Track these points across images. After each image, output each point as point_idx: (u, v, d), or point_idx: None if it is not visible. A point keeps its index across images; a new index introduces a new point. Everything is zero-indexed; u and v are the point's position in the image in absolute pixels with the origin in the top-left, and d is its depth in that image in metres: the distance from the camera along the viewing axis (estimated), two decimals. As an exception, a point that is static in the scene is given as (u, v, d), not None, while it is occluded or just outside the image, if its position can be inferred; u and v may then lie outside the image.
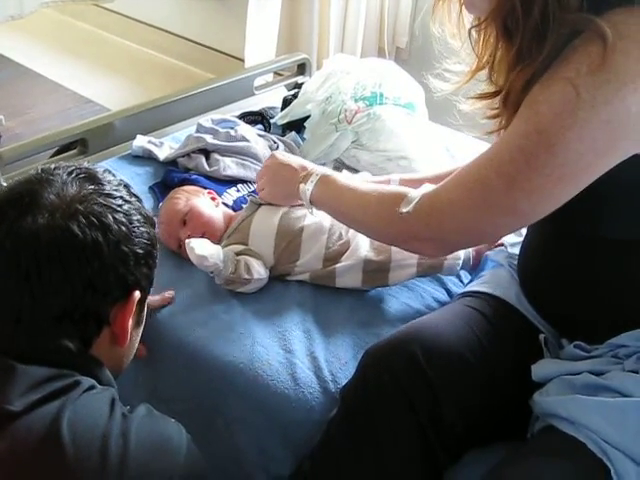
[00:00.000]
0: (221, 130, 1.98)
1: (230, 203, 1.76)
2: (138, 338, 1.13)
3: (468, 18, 1.23)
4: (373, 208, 1.30)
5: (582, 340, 1.19)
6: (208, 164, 1.89)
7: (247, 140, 1.94)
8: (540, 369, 1.20)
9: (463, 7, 1.19)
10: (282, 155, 1.57)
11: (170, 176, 1.86)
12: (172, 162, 1.94)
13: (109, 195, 1.00)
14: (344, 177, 1.44)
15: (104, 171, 1.06)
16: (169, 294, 1.48)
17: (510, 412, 1.24)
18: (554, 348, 1.26)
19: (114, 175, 1.07)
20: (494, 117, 1.19)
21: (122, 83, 3.99)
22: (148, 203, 1.80)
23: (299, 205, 1.57)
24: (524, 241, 1.36)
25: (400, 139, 1.94)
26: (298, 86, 2.26)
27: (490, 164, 1.11)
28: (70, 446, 0.85)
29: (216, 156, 1.90)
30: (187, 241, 1.46)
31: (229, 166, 1.87)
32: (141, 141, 2.00)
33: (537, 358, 1.23)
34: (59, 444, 0.85)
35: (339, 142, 1.95)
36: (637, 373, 1.10)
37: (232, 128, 1.99)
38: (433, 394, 1.16)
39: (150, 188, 1.86)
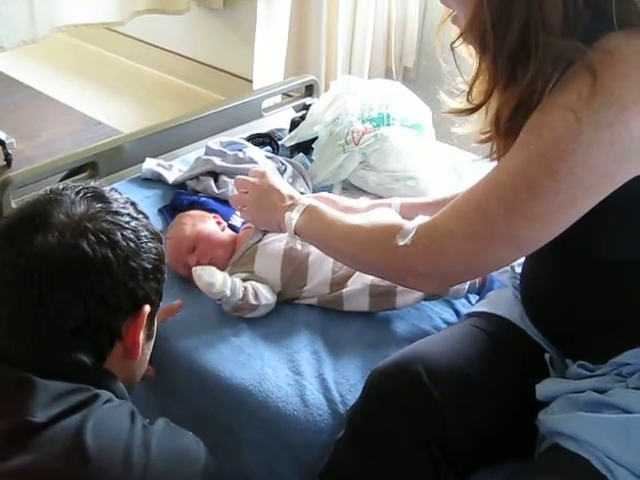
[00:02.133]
0: (229, 152, 2.00)
1: (238, 225, 1.77)
2: (149, 352, 1.15)
3: None
4: (364, 240, 1.27)
5: (585, 359, 1.19)
6: (217, 186, 1.90)
7: (255, 162, 1.95)
8: (544, 388, 1.20)
9: None
10: (272, 177, 1.53)
11: (179, 199, 1.88)
12: (181, 185, 1.96)
13: (117, 213, 1.03)
14: (331, 210, 1.39)
15: (111, 189, 1.09)
16: (177, 303, 1.48)
17: (517, 431, 1.23)
18: (560, 367, 1.26)
19: (120, 193, 1.09)
20: (486, 141, 1.18)
21: (132, 105, 4.02)
22: (157, 226, 1.77)
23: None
24: (525, 261, 1.36)
25: (407, 159, 1.95)
26: (306, 107, 2.27)
27: (490, 191, 1.09)
28: (95, 456, 0.87)
29: (224, 178, 1.92)
30: (194, 269, 1.48)
31: (237, 188, 1.89)
32: (150, 164, 2.02)
33: (543, 377, 1.23)
34: (84, 455, 0.87)
35: (347, 163, 1.96)
36: None
37: (240, 150, 2.01)
38: (438, 414, 1.16)
39: (159, 211, 1.88)
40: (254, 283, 1.51)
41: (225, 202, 1.86)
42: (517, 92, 1.05)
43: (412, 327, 1.53)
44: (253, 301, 1.48)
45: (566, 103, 1.00)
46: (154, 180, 2.00)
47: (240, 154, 1.98)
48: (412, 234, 1.16)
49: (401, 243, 1.16)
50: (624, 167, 1.02)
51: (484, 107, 1.17)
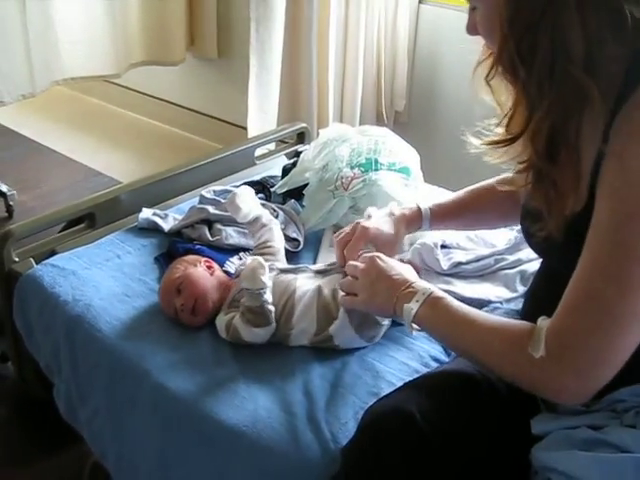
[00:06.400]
0: (223, 200, 2.04)
1: (233, 271, 1.80)
2: None
3: None
4: (499, 351, 1.19)
5: None
6: (211, 234, 1.95)
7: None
8: (539, 423, 1.21)
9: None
10: (383, 262, 1.44)
11: (174, 247, 1.92)
12: (176, 233, 2.00)
13: None
14: (453, 300, 1.30)
15: None
16: None
17: (511, 466, 1.24)
18: (551, 402, 1.25)
19: None
20: (524, 171, 1.17)
21: (131, 155, 4.08)
22: (154, 274, 1.86)
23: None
24: (524, 300, 1.39)
25: (396, 202, 1.98)
26: (298, 154, 2.31)
27: (594, 276, 1.07)
28: None
29: (218, 226, 1.97)
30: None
31: (231, 235, 1.94)
32: (146, 213, 2.06)
33: (535, 411, 1.25)
34: None
35: (337, 208, 1.99)
36: (635, 428, 1.11)
37: (233, 198, 2.06)
38: (431, 455, 1.17)
39: (156, 259, 1.92)
40: None
41: (219, 249, 1.91)
42: (544, 121, 1.07)
43: (402, 365, 1.55)
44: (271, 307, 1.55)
45: (637, 152, 1.02)
46: (150, 229, 2.03)
47: (233, 202, 2.03)
48: (543, 343, 1.11)
49: (537, 355, 1.11)
50: None
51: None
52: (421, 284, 1.36)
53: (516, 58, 1.07)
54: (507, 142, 1.17)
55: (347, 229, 1.65)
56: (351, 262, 1.52)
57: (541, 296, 1.32)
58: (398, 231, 1.66)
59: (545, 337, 1.11)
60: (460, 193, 1.70)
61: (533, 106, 1.09)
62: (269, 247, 1.76)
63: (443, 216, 1.68)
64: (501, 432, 1.25)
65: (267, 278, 1.55)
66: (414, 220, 1.68)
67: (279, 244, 1.79)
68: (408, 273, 1.42)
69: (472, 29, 1.21)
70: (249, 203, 1.79)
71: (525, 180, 1.19)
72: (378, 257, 1.46)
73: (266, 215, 1.82)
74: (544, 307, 1.16)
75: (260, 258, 1.58)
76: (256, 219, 1.79)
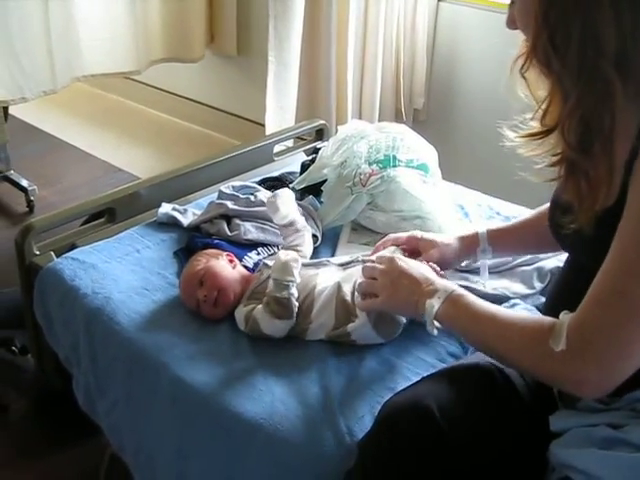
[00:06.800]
0: (241, 196, 2.06)
1: (251, 266, 1.82)
2: None
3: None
4: (519, 345, 1.19)
5: None
6: (229, 229, 1.95)
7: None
8: (558, 420, 1.22)
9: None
10: (403, 261, 1.46)
11: (193, 241, 1.93)
12: (195, 228, 2.01)
13: None
14: (474, 297, 1.31)
15: None
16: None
17: (527, 463, 1.25)
18: (569, 399, 1.26)
19: None
20: (558, 164, 1.19)
21: (150, 151, 4.10)
22: (173, 268, 1.87)
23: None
24: (547, 297, 1.39)
25: (414, 199, 1.98)
26: (317, 151, 2.31)
27: (621, 271, 1.07)
28: None
29: (237, 221, 1.97)
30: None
31: (249, 230, 1.94)
32: (166, 208, 2.07)
33: (552, 408, 1.26)
34: None
35: (354, 205, 2.00)
36: None
37: (252, 194, 2.07)
38: (448, 450, 1.17)
39: (175, 253, 1.93)
40: None
41: (238, 244, 1.92)
42: (576, 112, 1.09)
43: (418, 360, 1.55)
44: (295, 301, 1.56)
45: None
46: (170, 224, 2.04)
47: (251, 197, 2.04)
48: (564, 337, 1.11)
49: (557, 349, 1.11)
50: None
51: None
52: (443, 282, 1.38)
53: (550, 50, 1.09)
54: (543, 134, 1.19)
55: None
56: (368, 264, 1.53)
57: (566, 292, 1.32)
58: (448, 242, 1.66)
59: (567, 331, 1.11)
60: (523, 216, 1.70)
61: (567, 98, 1.11)
62: (298, 251, 1.76)
63: (502, 236, 1.67)
64: (519, 429, 1.26)
65: (297, 273, 1.58)
66: (471, 240, 1.67)
67: (307, 251, 1.80)
68: (429, 272, 1.43)
69: (511, 23, 1.22)
70: (288, 206, 1.79)
71: (558, 173, 1.21)
72: (397, 257, 1.48)
73: (301, 221, 1.83)
74: (570, 302, 1.16)
75: (295, 253, 1.61)
76: (291, 223, 1.79)
